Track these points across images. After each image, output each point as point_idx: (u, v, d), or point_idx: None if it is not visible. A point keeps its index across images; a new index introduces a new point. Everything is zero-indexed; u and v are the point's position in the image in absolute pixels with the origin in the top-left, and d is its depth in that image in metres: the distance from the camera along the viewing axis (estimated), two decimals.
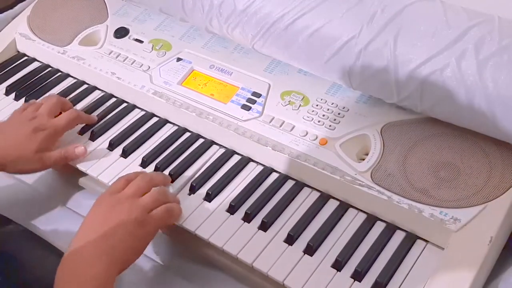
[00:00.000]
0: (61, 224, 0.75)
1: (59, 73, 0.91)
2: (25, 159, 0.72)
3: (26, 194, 0.79)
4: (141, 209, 0.62)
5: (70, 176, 0.78)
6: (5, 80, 0.91)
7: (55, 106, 0.78)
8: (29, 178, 0.81)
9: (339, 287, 0.60)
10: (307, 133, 0.72)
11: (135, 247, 0.61)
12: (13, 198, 0.77)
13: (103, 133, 0.80)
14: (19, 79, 0.91)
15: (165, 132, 0.79)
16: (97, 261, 0.57)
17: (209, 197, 0.69)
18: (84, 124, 0.80)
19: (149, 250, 0.72)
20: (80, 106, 0.84)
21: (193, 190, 0.71)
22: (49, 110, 0.76)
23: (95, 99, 0.85)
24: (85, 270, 0.56)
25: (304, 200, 0.69)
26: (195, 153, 0.75)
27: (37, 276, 0.68)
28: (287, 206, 0.68)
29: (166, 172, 0.73)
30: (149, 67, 0.85)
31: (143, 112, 0.82)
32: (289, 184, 0.71)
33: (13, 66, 0.94)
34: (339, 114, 0.73)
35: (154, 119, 0.81)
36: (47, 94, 0.87)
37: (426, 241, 0.63)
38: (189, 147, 0.77)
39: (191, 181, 0.71)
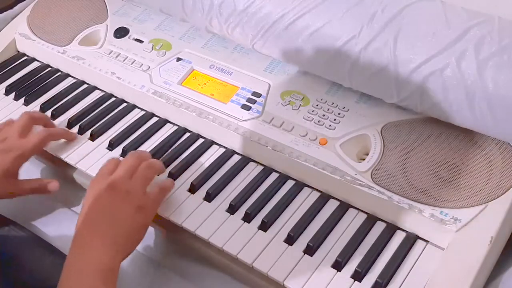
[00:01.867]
0: (60, 225, 0.75)
1: (59, 73, 0.91)
2: None
3: None
4: (138, 193, 0.63)
5: (69, 176, 0.77)
6: (5, 80, 0.91)
7: (25, 125, 0.74)
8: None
9: (339, 287, 0.60)
10: (307, 133, 0.72)
11: (137, 232, 0.62)
12: (13, 198, 0.77)
13: (103, 133, 0.80)
14: (19, 79, 0.91)
15: (165, 132, 0.79)
16: (103, 251, 0.58)
17: (209, 197, 0.69)
18: (83, 124, 0.80)
19: (149, 250, 0.72)
20: (80, 106, 0.84)
21: (193, 190, 0.71)
22: (19, 131, 0.73)
23: (95, 99, 0.85)
24: (92, 261, 0.57)
25: (304, 200, 0.69)
26: (195, 153, 0.75)
27: (36, 276, 0.68)
28: (287, 206, 0.68)
29: (166, 172, 0.73)
30: (149, 67, 0.85)
31: (143, 112, 0.82)
32: (289, 184, 0.71)
33: (13, 66, 0.94)
34: (339, 114, 0.73)
35: (154, 119, 0.81)
36: (47, 94, 0.87)
37: (426, 241, 0.63)
38: (189, 147, 0.77)
39: (191, 181, 0.71)
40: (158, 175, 0.71)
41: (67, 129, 0.80)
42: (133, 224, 0.61)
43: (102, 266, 0.57)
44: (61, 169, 0.79)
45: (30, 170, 0.81)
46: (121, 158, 0.72)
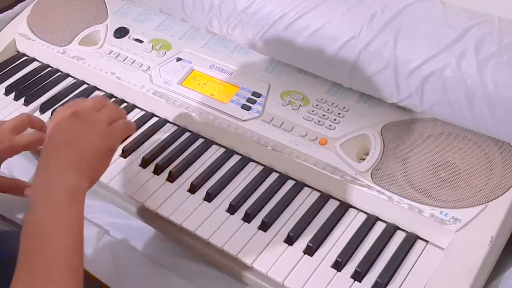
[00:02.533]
0: None
1: (59, 73, 0.91)
2: None
3: None
4: (102, 123, 0.63)
5: None
6: (5, 80, 0.91)
7: (21, 123, 0.73)
8: (26, 178, 0.81)
9: (339, 287, 0.60)
10: (307, 133, 0.72)
11: (101, 158, 0.62)
12: (11, 197, 0.77)
13: None
14: (19, 79, 0.91)
15: (165, 132, 0.79)
16: (67, 172, 0.57)
17: (209, 197, 0.69)
18: None
19: (149, 250, 0.72)
20: None
21: (193, 190, 0.71)
22: (13, 126, 0.72)
23: None
24: (57, 180, 0.57)
25: (304, 200, 0.69)
26: (195, 153, 0.75)
27: None
28: (287, 206, 0.68)
29: (166, 172, 0.73)
30: (149, 67, 0.85)
31: (143, 112, 0.82)
32: (289, 184, 0.71)
33: (13, 66, 0.94)
34: (339, 114, 0.73)
35: (154, 119, 0.81)
36: (47, 94, 0.87)
37: (426, 241, 0.63)
38: (189, 147, 0.77)
39: (191, 181, 0.71)
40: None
41: None
42: (97, 150, 0.61)
43: (66, 187, 0.56)
44: None
45: (27, 168, 0.81)
46: None
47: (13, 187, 0.72)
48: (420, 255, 0.62)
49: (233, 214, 0.68)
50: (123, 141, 0.75)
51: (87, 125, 0.62)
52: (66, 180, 0.57)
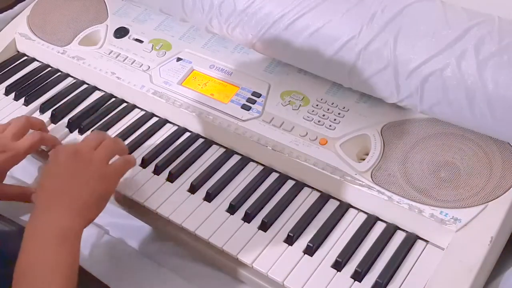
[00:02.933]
0: None
1: (59, 73, 0.91)
2: None
3: None
4: (100, 162, 0.64)
5: None
6: (5, 80, 0.91)
7: (21, 128, 0.73)
8: (27, 177, 0.81)
9: (339, 287, 0.60)
10: (307, 133, 0.72)
11: (97, 200, 0.62)
12: None
13: None
14: (19, 79, 0.91)
15: (165, 132, 0.79)
16: (62, 214, 0.58)
17: (209, 197, 0.69)
18: (83, 125, 0.80)
19: (149, 250, 0.72)
20: (80, 106, 0.84)
21: (193, 190, 0.71)
22: (15, 132, 0.72)
23: (95, 99, 0.85)
24: (51, 223, 0.57)
25: (304, 200, 0.69)
26: (195, 153, 0.75)
27: None
28: (287, 206, 0.68)
29: (166, 172, 0.73)
30: (149, 67, 0.85)
31: (143, 112, 0.82)
32: (289, 184, 0.71)
33: (13, 66, 0.94)
34: (339, 114, 0.73)
35: (154, 119, 0.81)
36: (47, 94, 0.87)
37: (426, 241, 0.63)
38: (189, 147, 0.77)
39: (191, 181, 0.71)
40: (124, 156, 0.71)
41: (57, 138, 0.78)
42: (93, 192, 0.62)
43: (60, 229, 0.57)
44: None
45: (27, 168, 0.81)
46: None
47: (20, 194, 0.73)
48: (420, 255, 0.62)
49: (233, 214, 0.68)
50: None
51: (85, 167, 0.62)
52: (60, 222, 0.57)
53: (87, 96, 0.86)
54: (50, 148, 0.77)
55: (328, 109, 0.74)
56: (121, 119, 0.82)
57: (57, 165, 0.62)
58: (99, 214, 0.63)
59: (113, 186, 0.65)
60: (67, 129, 0.81)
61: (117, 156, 0.69)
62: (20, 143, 0.72)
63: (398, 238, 0.64)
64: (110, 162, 0.67)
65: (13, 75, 0.92)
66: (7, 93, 0.89)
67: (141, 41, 0.89)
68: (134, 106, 0.84)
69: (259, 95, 0.77)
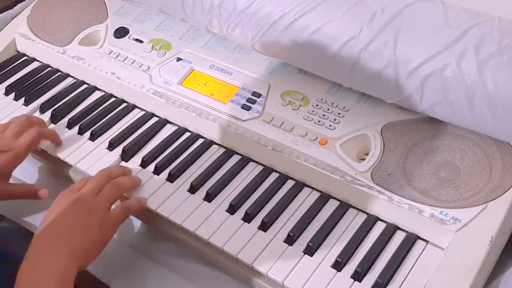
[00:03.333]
0: None
1: (59, 73, 0.91)
2: None
3: None
4: (101, 210, 0.64)
5: (65, 174, 0.77)
6: (5, 80, 0.91)
7: (22, 127, 0.74)
8: (26, 177, 0.81)
9: (339, 287, 0.60)
10: (307, 133, 0.72)
11: (95, 246, 0.63)
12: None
13: (103, 133, 0.80)
14: (19, 79, 0.91)
15: (165, 132, 0.79)
16: (58, 259, 0.58)
17: (209, 197, 0.69)
18: (83, 125, 0.80)
19: (149, 250, 0.72)
20: (80, 106, 0.84)
21: (193, 190, 0.71)
22: (15, 132, 0.73)
23: (95, 99, 0.85)
24: (47, 267, 0.57)
25: (304, 200, 0.69)
26: (195, 153, 0.75)
27: None
28: (287, 206, 0.68)
29: (166, 172, 0.73)
30: (149, 67, 0.85)
31: (143, 112, 0.82)
32: (289, 184, 0.71)
33: (13, 66, 0.94)
34: (339, 114, 0.73)
35: (154, 119, 0.81)
36: (47, 94, 0.87)
37: (426, 241, 0.63)
38: (189, 147, 0.77)
39: (191, 181, 0.71)
40: (131, 191, 0.71)
41: (56, 132, 0.78)
42: (92, 239, 0.62)
43: (55, 274, 0.57)
44: (57, 167, 0.79)
45: (27, 168, 0.81)
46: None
47: (26, 192, 0.73)
48: (420, 255, 0.62)
49: (233, 214, 0.68)
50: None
51: (86, 214, 0.63)
52: (55, 267, 0.58)
53: (87, 96, 0.86)
54: (51, 150, 0.77)
55: (328, 109, 0.74)
56: (121, 119, 0.82)
57: (58, 211, 0.63)
58: (93, 261, 0.63)
59: (111, 234, 0.65)
60: (67, 129, 0.81)
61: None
62: (21, 140, 0.72)
63: (398, 238, 0.64)
64: (112, 207, 0.67)
65: (13, 75, 0.92)
66: (7, 93, 0.89)
67: (141, 41, 0.89)
68: (134, 106, 0.84)
69: (259, 95, 0.77)
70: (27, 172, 0.81)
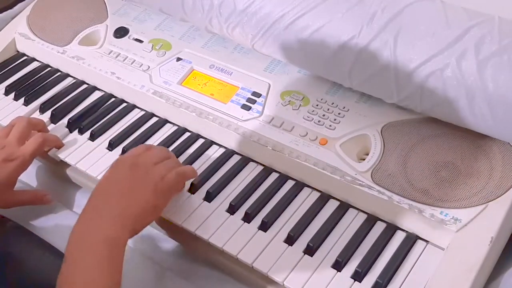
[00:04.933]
0: (57, 223, 0.75)
1: (59, 73, 0.91)
2: None
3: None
4: (157, 177, 0.63)
5: (65, 174, 0.77)
6: (5, 80, 0.91)
7: (24, 132, 0.74)
8: (25, 176, 0.81)
9: (339, 287, 0.60)
10: (307, 133, 0.72)
11: (148, 213, 0.62)
12: None
13: (103, 133, 0.79)
14: (18, 79, 0.91)
15: (165, 132, 0.79)
16: (111, 223, 0.58)
17: (209, 197, 0.69)
18: (83, 125, 0.80)
19: (149, 250, 0.72)
20: (80, 106, 0.84)
21: (193, 190, 0.71)
22: (19, 137, 0.72)
23: (95, 99, 0.85)
24: (98, 231, 0.57)
25: (304, 200, 0.69)
26: (195, 153, 0.75)
27: (32, 274, 0.68)
28: (287, 206, 0.68)
29: None
30: (149, 67, 0.85)
31: (143, 112, 0.82)
32: (289, 184, 0.71)
33: (13, 66, 0.94)
34: (339, 114, 0.73)
35: (154, 119, 0.81)
36: (47, 94, 0.87)
37: (427, 241, 0.63)
38: (189, 147, 0.77)
39: (191, 181, 0.71)
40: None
41: (59, 138, 0.79)
42: (146, 205, 0.61)
43: (107, 237, 0.57)
44: (57, 167, 0.79)
45: (28, 169, 0.81)
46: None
47: (31, 199, 0.73)
48: (420, 255, 0.62)
49: (233, 214, 0.68)
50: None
51: (142, 179, 0.62)
52: (108, 232, 0.57)
53: (87, 96, 0.86)
54: (50, 149, 0.77)
55: (328, 109, 0.74)
56: (121, 119, 0.82)
57: (115, 174, 0.63)
58: (144, 227, 0.63)
59: (165, 202, 0.65)
60: (67, 129, 0.81)
61: None
62: (25, 148, 0.72)
63: (398, 238, 0.64)
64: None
65: (13, 75, 0.92)
66: (7, 93, 0.89)
67: (141, 41, 0.89)
68: (134, 106, 0.84)
69: (259, 95, 0.77)
70: (26, 172, 0.81)
